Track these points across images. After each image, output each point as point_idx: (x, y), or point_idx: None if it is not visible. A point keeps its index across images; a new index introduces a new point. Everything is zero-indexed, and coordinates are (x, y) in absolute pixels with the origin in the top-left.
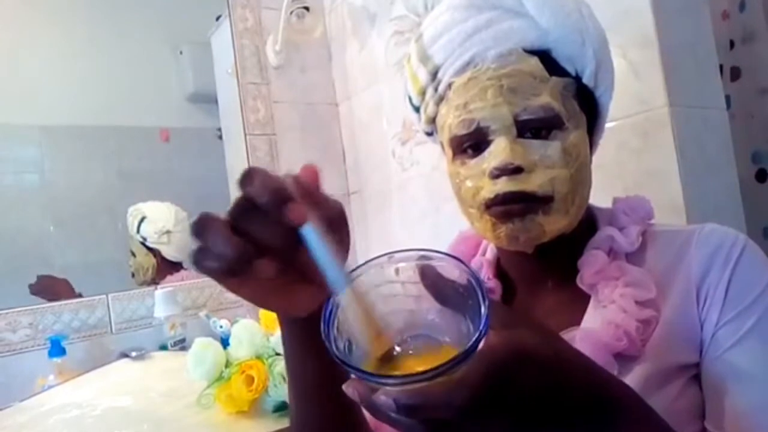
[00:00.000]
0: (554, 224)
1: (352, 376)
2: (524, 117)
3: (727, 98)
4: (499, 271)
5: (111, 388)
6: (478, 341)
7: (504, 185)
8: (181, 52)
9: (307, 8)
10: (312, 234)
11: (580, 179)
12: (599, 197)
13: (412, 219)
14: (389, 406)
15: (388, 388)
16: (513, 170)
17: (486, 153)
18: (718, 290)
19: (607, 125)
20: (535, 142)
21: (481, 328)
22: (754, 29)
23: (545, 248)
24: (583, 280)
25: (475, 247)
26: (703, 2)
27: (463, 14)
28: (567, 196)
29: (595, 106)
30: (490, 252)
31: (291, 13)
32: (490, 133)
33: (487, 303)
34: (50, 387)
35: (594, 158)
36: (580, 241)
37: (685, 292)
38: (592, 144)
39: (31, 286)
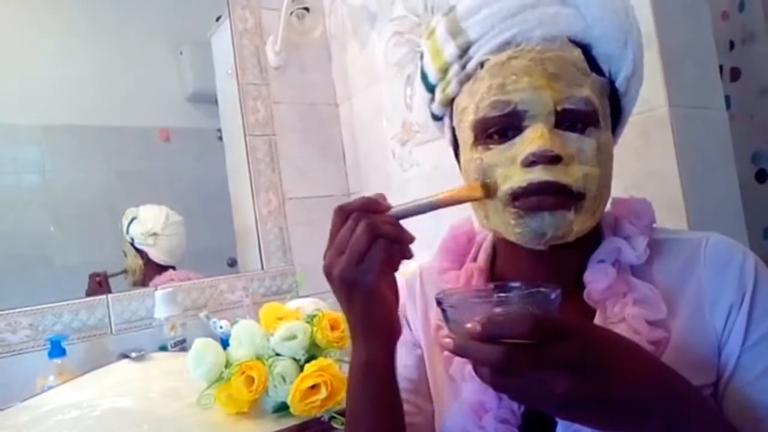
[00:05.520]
0: (582, 224)
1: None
2: (566, 106)
3: (727, 99)
4: (493, 278)
5: (111, 388)
6: (557, 289)
7: (540, 173)
8: (181, 52)
9: (307, 9)
10: None
11: (608, 181)
12: None
13: (412, 219)
14: (476, 330)
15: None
16: (551, 159)
17: (518, 139)
18: (740, 313)
19: None
20: (572, 135)
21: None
22: (753, 30)
23: (546, 253)
24: (591, 296)
25: (465, 245)
26: (703, 3)
27: None
28: (597, 196)
29: (620, 112)
30: (483, 257)
31: (291, 13)
32: (527, 118)
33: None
34: (50, 388)
35: None
36: (581, 247)
37: (695, 311)
38: None
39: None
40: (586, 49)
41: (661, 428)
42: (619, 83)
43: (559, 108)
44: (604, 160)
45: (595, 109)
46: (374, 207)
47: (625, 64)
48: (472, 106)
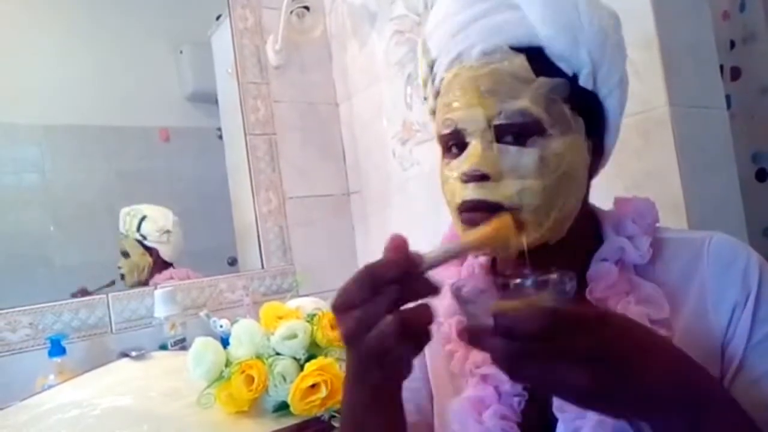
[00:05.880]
0: (523, 238)
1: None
2: (499, 121)
3: (727, 98)
4: (494, 274)
5: (111, 387)
6: (573, 279)
7: (471, 192)
8: (181, 52)
9: (307, 8)
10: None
11: (560, 190)
12: (599, 197)
13: (412, 219)
14: (489, 325)
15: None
16: (479, 177)
17: (462, 156)
18: (744, 312)
19: None
20: (512, 149)
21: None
22: (754, 29)
23: (542, 253)
24: (593, 294)
25: None
26: (704, 2)
27: (458, 5)
28: (539, 208)
29: (600, 108)
30: None
31: (291, 12)
32: (467, 135)
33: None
34: (50, 386)
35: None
36: (582, 247)
37: (698, 310)
38: (602, 149)
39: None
40: (539, 51)
41: (683, 421)
42: (583, 81)
43: (492, 123)
44: (550, 170)
45: (536, 118)
46: (409, 269)
47: (581, 61)
48: (436, 122)
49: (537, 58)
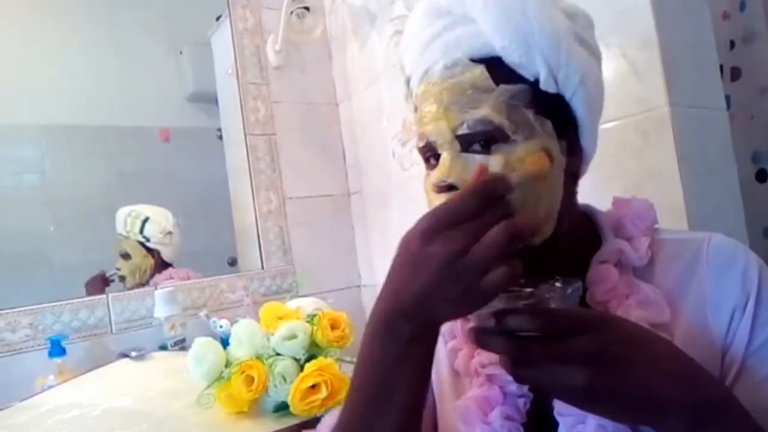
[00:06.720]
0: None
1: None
2: (462, 131)
3: (727, 98)
4: None
5: (111, 388)
6: (576, 283)
7: (442, 202)
8: (181, 52)
9: (307, 8)
10: None
11: (530, 194)
12: (599, 197)
13: (412, 219)
14: (491, 323)
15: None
16: (447, 188)
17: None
18: (744, 317)
19: (608, 125)
20: (478, 157)
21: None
22: (754, 29)
23: (535, 256)
24: (594, 297)
25: None
26: (704, 2)
27: (422, 22)
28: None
29: (569, 109)
30: None
31: (291, 13)
32: (438, 147)
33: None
34: (50, 387)
35: (594, 158)
36: (580, 249)
37: (697, 314)
38: (580, 150)
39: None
40: (498, 61)
41: (683, 425)
42: (543, 85)
43: (457, 134)
44: (517, 175)
45: (497, 126)
46: (509, 191)
47: (537, 66)
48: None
49: (497, 67)
